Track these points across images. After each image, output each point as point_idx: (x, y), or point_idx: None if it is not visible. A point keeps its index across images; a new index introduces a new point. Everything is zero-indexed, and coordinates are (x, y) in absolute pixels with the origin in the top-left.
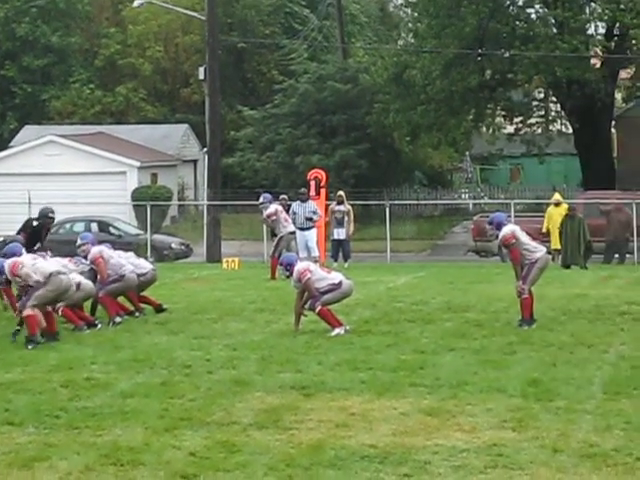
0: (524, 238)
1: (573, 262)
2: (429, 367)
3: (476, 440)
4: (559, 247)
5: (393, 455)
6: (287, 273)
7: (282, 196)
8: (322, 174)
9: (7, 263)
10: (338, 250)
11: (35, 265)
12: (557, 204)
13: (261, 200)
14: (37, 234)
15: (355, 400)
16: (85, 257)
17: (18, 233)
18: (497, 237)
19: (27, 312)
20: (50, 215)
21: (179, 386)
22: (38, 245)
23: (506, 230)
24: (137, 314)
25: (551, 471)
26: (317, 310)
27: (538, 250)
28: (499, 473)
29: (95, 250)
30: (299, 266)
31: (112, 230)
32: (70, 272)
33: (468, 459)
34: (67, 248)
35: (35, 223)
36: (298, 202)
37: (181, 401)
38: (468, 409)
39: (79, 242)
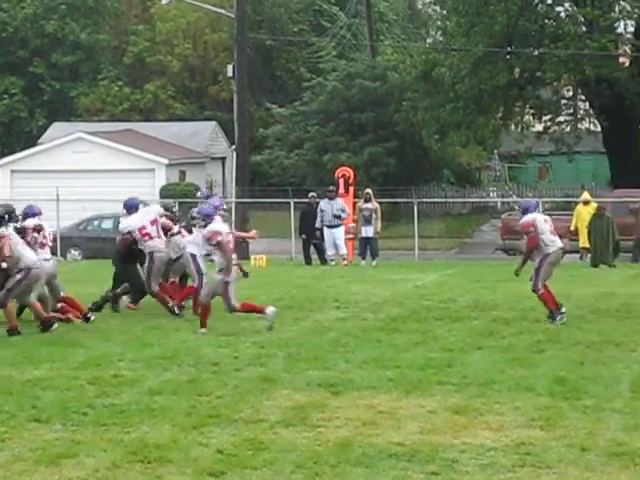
0: (544, 228)
1: (602, 261)
2: (457, 365)
3: (504, 439)
4: (588, 245)
5: (420, 453)
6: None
7: (311, 194)
8: (350, 172)
9: None
10: (366, 248)
11: None
12: (586, 203)
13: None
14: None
15: (383, 398)
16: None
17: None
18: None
19: None
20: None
21: (207, 383)
22: None
23: (527, 217)
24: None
25: (579, 470)
26: None
27: (553, 244)
28: (527, 472)
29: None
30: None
31: None
32: None
33: (496, 457)
34: (95, 245)
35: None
36: (326, 200)
37: (209, 398)
38: (496, 407)
39: None
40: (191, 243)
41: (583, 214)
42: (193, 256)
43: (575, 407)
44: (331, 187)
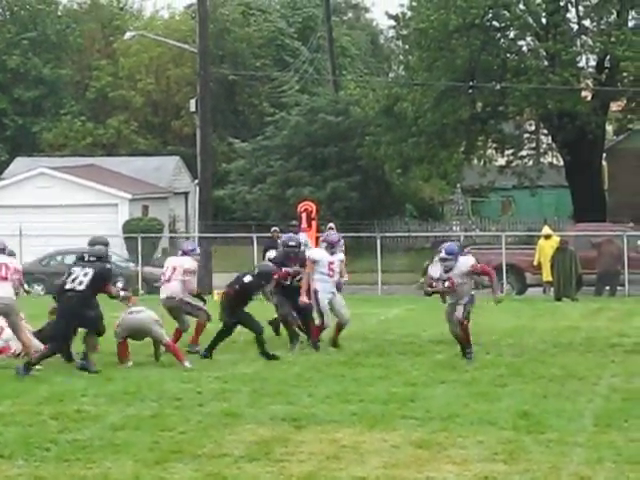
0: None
1: (565, 294)
2: (420, 399)
3: (467, 473)
4: (551, 279)
5: None
6: None
7: (273, 228)
8: (312, 206)
9: None
10: None
11: None
12: (547, 237)
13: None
14: None
15: (346, 432)
16: None
17: None
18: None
19: None
20: None
21: (170, 419)
22: None
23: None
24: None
25: None
26: None
27: None
28: None
29: None
30: None
31: None
32: None
33: None
34: (58, 279)
35: None
36: (290, 234)
37: (171, 434)
38: (459, 441)
39: None
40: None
41: (546, 248)
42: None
43: (538, 441)
44: (294, 222)
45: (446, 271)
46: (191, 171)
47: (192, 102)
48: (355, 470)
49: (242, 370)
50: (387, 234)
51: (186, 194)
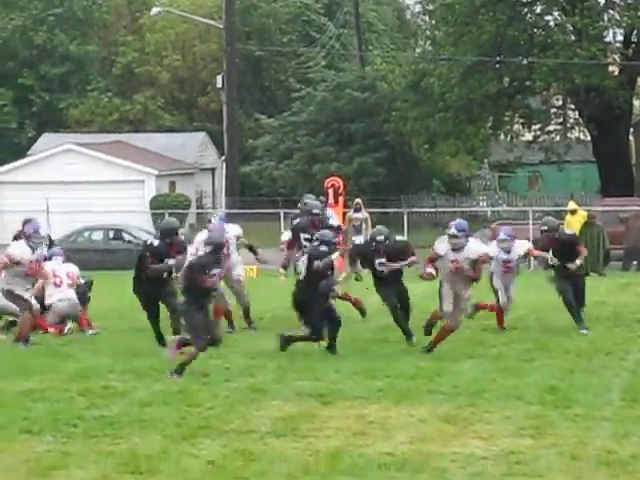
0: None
1: (592, 269)
2: (447, 374)
3: (494, 448)
4: None
5: (410, 463)
6: None
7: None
8: (339, 182)
9: None
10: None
11: None
12: (573, 212)
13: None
14: None
15: (372, 408)
16: None
17: None
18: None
19: None
20: None
21: (197, 394)
22: None
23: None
24: None
25: (569, 478)
26: None
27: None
28: None
29: None
30: None
31: (125, 236)
32: None
33: (486, 467)
34: (85, 256)
35: None
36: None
37: (199, 409)
38: (486, 417)
39: None
40: None
41: (573, 223)
42: None
43: (565, 416)
44: (321, 197)
45: (454, 249)
46: (218, 147)
47: (218, 78)
48: (382, 446)
49: (269, 346)
50: (414, 209)
51: (213, 170)
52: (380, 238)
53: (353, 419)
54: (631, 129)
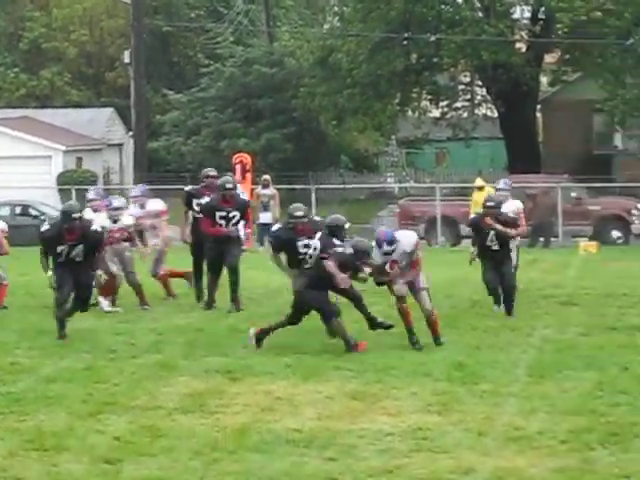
0: None
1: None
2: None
3: (401, 424)
4: None
5: (318, 439)
6: None
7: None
8: (247, 158)
9: None
10: (264, 234)
11: None
12: (480, 188)
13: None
14: None
15: (280, 384)
16: None
17: None
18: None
19: None
20: None
21: (103, 371)
22: None
23: None
24: None
25: (476, 454)
26: None
27: None
28: (424, 457)
29: None
30: None
31: (32, 212)
32: None
33: (393, 443)
34: None
35: None
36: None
37: (105, 386)
38: (393, 393)
39: None
40: None
41: (480, 200)
42: None
43: (472, 392)
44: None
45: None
46: (125, 123)
47: (126, 53)
48: (289, 422)
49: (176, 322)
50: (322, 186)
51: (120, 146)
52: (229, 186)
53: (261, 395)
54: (538, 106)
